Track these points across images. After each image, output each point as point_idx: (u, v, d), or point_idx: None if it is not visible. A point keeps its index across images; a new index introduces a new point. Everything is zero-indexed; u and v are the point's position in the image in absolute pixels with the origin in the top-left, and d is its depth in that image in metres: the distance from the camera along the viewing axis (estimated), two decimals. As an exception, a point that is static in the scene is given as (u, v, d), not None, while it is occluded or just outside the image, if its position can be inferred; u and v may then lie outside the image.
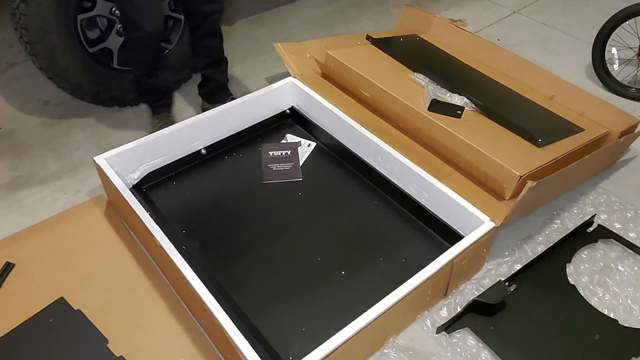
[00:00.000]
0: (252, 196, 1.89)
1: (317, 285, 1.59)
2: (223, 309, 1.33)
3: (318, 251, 1.69)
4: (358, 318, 1.31)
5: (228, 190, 1.92)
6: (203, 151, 2.00)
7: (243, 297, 1.53)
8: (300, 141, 2.10)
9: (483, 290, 1.59)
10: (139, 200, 1.62)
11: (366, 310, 1.32)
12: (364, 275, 1.62)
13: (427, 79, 2.09)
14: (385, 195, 1.88)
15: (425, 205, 1.77)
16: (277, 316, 1.50)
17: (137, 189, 1.84)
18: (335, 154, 2.06)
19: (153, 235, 1.50)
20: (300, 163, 2.01)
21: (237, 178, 1.96)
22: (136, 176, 1.85)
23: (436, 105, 1.90)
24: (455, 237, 1.64)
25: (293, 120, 2.22)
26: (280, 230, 1.76)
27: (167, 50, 2.31)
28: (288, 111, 2.21)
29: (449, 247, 1.51)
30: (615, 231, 1.83)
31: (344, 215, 1.82)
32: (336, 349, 1.26)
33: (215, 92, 2.25)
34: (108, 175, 1.69)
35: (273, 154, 2.03)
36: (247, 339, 1.27)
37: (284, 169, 1.98)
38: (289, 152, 2.04)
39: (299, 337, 1.44)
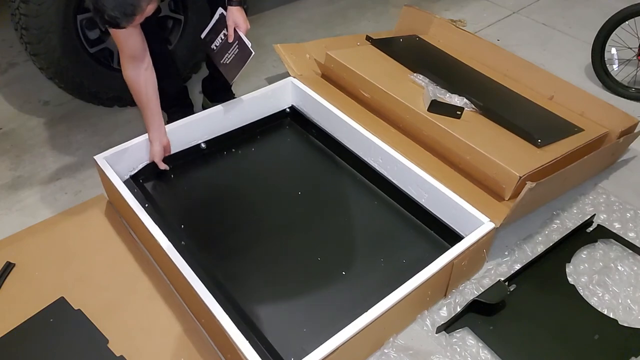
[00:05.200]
0: (251, 193, 1.89)
1: (317, 285, 1.59)
2: (223, 308, 1.33)
3: (318, 251, 1.69)
4: (358, 318, 1.31)
5: (227, 186, 1.91)
6: (203, 145, 1.99)
7: (243, 296, 1.53)
8: (221, 12, 1.84)
9: (483, 290, 1.59)
10: (136, 192, 1.61)
11: (366, 311, 1.33)
12: (365, 275, 1.62)
13: (427, 80, 2.09)
14: (385, 196, 1.88)
15: (425, 206, 1.77)
16: (277, 316, 1.50)
17: (134, 179, 1.83)
18: (335, 154, 2.06)
19: (153, 235, 1.50)
20: (244, 38, 1.82)
21: (235, 175, 1.96)
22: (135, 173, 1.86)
23: (436, 106, 1.90)
24: (455, 237, 1.64)
25: (292, 119, 2.22)
26: (279, 229, 1.76)
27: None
28: (288, 109, 2.21)
29: (449, 248, 1.51)
30: (614, 231, 1.83)
31: (344, 215, 1.82)
32: (337, 349, 1.26)
33: (219, 91, 2.24)
34: (107, 175, 1.69)
35: (216, 45, 1.87)
36: (247, 339, 1.27)
37: (234, 54, 1.84)
38: (224, 32, 1.84)
39: (299, 337, 1.44)
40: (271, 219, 1.80)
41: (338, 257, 1.67)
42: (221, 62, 1.89)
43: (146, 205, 1.70)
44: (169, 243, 1.48)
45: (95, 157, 1.74)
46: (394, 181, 1.86)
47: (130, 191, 1.64)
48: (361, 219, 1.80)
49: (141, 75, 1.70)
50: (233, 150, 2.05)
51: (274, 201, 1.87)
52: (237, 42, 1.84)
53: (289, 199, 1.87)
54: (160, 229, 1.53)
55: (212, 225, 1.77)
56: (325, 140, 2.09)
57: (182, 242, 1.65)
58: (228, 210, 1.83)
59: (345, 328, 1.29)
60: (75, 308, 1.51)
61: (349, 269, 1.63)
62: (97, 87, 2.20)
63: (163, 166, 1.84)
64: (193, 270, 1.42)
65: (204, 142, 2.00)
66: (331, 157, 2.05)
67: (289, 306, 1.53)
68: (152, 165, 1.87)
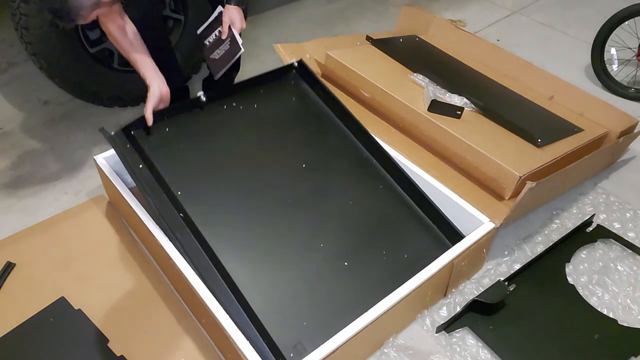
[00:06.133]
0: (251, 160, 1.77)
1: (319, 276, 1.54)
2: (222, 306, 1.32)
3: (322, 235, 1.61)
4: (358, 319, 1.31)
5: (226, 148, 1.77)
6: (202, 98, 1.79)
7: (243, 282, 1.46)
8: (221, 10, 1.84)
9: (483, 289, 1.60)
10: (128, 148, 1.55)
11: (366, 308, 1.32)
12: (366, 268, 1.57)
13: (427, 80, 2.10)
14: (390, 180, 1.80)
15: (428, 196, 1.71)
16: (278, 308, 1.46)
17: (126, 132, 1.67)
18: (341, 122, 1.93)
19: (153, 235, 1.50)
20: (236, 36, 1.82)
21: (236, 135, 1.82)
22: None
23: (436, 106, 1.90)
24: (456, 234, 1.63)
25: (299, 74, 2.01)
26: (282, 207, 1.67)
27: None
28: (296, 63, 1.99)
29: (450, 246, 1.51)
30: (614, 231, 1.83)
31: (349, 197, 1.73)
32: (337, 349, 1.26)
33: None
34: (107, 175, 1.69)
35: (209, 41, 1.89)
36: (247, 338, 1.27)
37: (224, 50, 1.85)
38: (219, 29, 1.85)
39: (300, 332, 1.40)
40: (274, 193, 1.69)
41: (341, 245, 1.61)
42: (210, 56, 1.90)
43: (140, 166, 1.61)
44: (170, 243, 1.47)
45: (95, 157, 1.74)
46: (399, 165, 1.79)
47: (122, 146, 1.54)
48: (365, 204, 1.73)
49: (119, 25, 1.67)
50: (234, 104, 1.88)
51: (276, 173, 1.75)
52: (229, 39, 1.85)
53: (292, 172, 1.76)
54: (157, 197, 1.50)
55: (210, 194, 1.64)
56: (332, 104, 1.95)
57: (180, 214, 1.57)
58: (228, 177, 1.70)
59: (345, 328, 1.29)
60: (76, 308, 1.51)
61: (351, 260, 1.57)
62: (97, 86, 2.20)
63: (150, 119, 1.66)
64: (191, 250, 1.39)
65: (203, 94, 1.80)
66: (337, 125, 1.93)
67: (290, 297, 1.48)
68: (143, 117, 1.68)
